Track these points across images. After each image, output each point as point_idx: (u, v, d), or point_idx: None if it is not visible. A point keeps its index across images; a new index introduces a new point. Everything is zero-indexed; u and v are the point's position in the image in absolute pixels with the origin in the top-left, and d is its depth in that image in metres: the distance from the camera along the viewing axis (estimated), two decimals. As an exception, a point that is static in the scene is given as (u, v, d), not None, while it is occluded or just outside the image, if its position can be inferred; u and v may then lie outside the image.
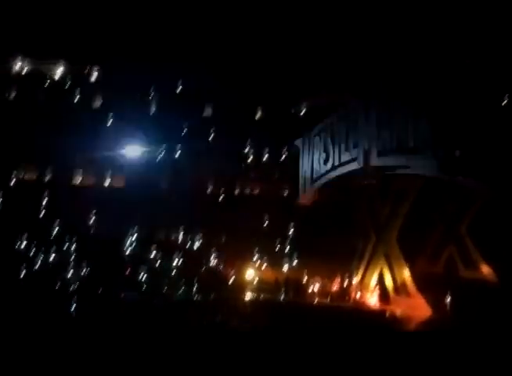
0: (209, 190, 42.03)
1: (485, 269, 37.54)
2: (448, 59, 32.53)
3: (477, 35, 32.77)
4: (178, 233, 41.14)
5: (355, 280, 38.79)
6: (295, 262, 40.46)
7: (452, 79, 32.03)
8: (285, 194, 41.85)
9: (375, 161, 35.13)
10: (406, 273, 37.11)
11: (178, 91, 40.60)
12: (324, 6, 36.46)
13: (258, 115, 41.50)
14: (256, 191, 42.67)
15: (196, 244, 41.22)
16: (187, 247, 41.05)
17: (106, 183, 41.33)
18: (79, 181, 41.28)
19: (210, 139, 41.26)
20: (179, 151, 41.02)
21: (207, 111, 41.45)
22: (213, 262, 40.48)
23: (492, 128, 30.87)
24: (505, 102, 30.90)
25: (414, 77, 33.16)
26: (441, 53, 32.90)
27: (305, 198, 39.71)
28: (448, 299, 35.43)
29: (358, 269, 38.87)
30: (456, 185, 36.70)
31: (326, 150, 37.91)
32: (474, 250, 38.00)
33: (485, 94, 31.01)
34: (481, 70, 31.41)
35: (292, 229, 41.10)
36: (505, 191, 33.66)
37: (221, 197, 41.82)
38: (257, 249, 40.41)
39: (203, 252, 40.71)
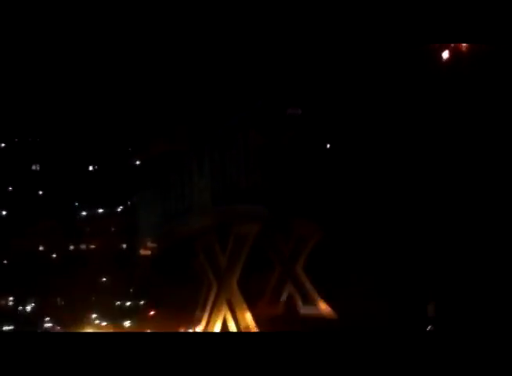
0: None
1: (322, 305, 39.38)
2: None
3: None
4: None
5: (199, 329, 38.96)
6: (138, 316, 39.93)
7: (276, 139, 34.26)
8: (124, 246, 41.28)
9: (210, 210, 36.30)
10: (249, 318, 37.79)
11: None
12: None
13: (92, 168, 40.81)
14: (94, 245, 41.70)
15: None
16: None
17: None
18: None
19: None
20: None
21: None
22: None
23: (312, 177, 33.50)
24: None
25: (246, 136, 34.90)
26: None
27: (145, 250, 39.56)
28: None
29: (201, 318, 39.06)
30: (290, 227, 38.99)
31: (162, 202, 38.23)
32: (311, 287, 39.64)
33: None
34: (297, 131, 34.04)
35: (132, 283, 40.56)
36: (333, 231, 36.34)
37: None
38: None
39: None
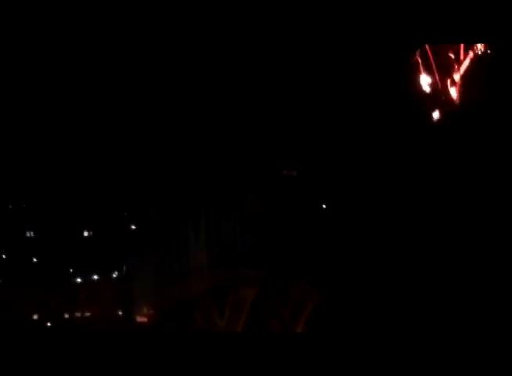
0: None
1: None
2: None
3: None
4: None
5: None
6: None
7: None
8: (119, 314, 40.60)
9: (207, 274, 35.95)
10: (249, 383, 36.98)
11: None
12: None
13: (86, 234, 40.51)
14: (89, 313, 41.03)
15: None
16: None
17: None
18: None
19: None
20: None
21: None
22: None
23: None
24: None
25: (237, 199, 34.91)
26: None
27: (142, 316, 38.95)
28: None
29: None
30: (288, 290, 38.51)
31: (158, 266, 37.87)
32: (312, 351, 38.88)
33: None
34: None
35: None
36: (330, 293, 36.05)
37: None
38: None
39: None
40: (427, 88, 34.57)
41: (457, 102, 34.48)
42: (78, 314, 40.31)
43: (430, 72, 34.32)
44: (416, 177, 35.00)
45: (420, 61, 34.13)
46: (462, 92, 34.40)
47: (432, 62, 34.15)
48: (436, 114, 34.27)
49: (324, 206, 36.52)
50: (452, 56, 34.44)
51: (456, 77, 34.32)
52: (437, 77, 34.31)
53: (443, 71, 34.39)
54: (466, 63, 34.81)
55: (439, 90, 34.06)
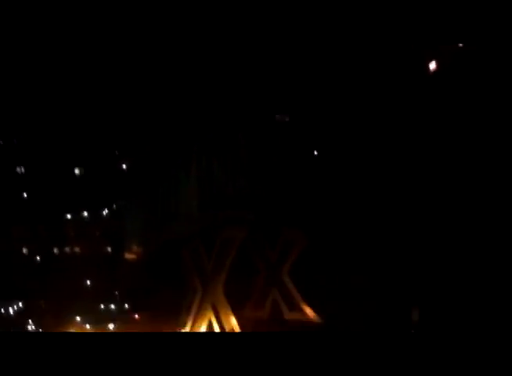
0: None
1: (308, 310, 39.47)
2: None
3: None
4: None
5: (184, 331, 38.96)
6: (123, 319, 39.83)
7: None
8: (109, 251, 41.11)
9: (196, 215, 36.62)
10: (234, 322, 37.83)
11: None
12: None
13: (77, 172, 40.59)
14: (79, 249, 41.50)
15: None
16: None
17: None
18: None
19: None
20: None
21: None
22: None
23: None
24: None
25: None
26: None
27: (130, 254, 39.48)
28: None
29: (186, 320, 39.05)
30: (276, 233, 39.10)
31: (148, 206, 38.13)
32: (296, 293, 39.71)
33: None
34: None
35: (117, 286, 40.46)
36: (318, 237, 36.59)
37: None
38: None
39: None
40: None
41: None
42: (67, 250, 40.80)
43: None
44: (408, 132, 35.23)
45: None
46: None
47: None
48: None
49: (315, 153, 36.71)
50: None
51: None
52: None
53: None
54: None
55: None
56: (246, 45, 34.93)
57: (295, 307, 39.80)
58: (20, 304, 39.86)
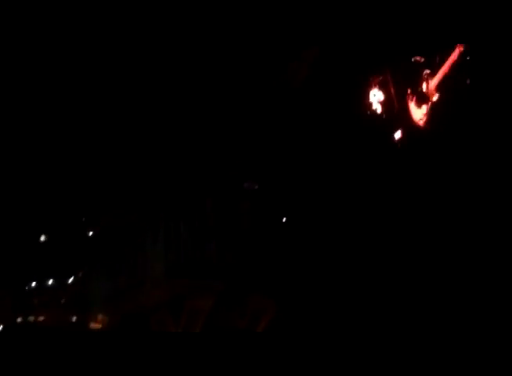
0: None
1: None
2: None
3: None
4: None
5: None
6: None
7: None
8: (73, 320, 40.02)
9: (163, 283, 35.57)
10: (201, 395, 36.66)
11: None
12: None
13: (43, 238, 39.90)
14: (43, 317, 40.33)
15: None
16: None
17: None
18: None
19: None
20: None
21: None
22: None
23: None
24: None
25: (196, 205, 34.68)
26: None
27: (95, 324, 38.42)
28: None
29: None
30: (245, 302, 38.38)
31: (114, 274, 37.42)
32: (266, 364, 38.73)
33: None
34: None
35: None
36: (290, 305, 35.96)
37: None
38: None
39: None
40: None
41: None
42: (32, 318, 39.69)
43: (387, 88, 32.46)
44: (381, 189, 34.98)
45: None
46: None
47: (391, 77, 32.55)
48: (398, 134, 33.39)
49: (284, 220, 36.48)
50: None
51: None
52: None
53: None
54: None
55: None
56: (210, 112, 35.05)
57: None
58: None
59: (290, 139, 35.07)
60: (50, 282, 39.96)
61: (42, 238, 39.49)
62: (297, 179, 35.27)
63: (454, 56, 28.63)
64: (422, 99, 29.34)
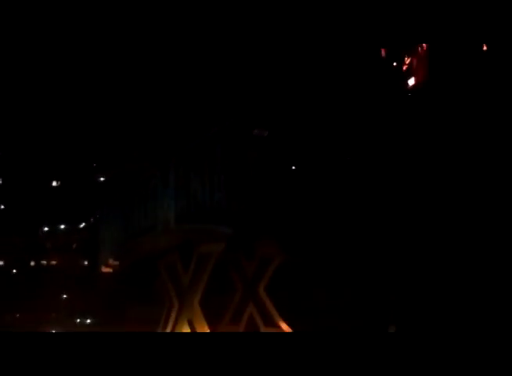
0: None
1: (283, 326, 39.37)
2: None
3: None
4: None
5: (160, 347, 38.65)
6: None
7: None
8: (85, 264, 40.98)
9: (173, 229, 36.31)
10: (210, 337, 37.64)
11: None
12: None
13: (55, 184, 40.52)
14: (55, 262, 41.27)
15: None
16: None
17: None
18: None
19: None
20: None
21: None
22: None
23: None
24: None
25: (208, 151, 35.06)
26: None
27: (106, 267, 39.24)
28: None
29: (162, 336, 38.83)
30: (253, 248, 39.06)
31: (125, 219, 38.01)
32: (272, 308, 39.62)
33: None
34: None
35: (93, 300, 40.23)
36: (295, 253, 36.66)
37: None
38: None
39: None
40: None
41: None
42: (44, 262, 40.64)
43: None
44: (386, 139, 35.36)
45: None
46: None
47: None
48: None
49: (293, 167, 36.82)
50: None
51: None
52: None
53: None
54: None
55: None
56: (225, 58, 35.12)
57: (271, 322, 39.64)
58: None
59: (301, 87, 35.26)
60: (62, 227, 40.74)
61: (54, 183, 40.09)
62: (306, 128, 35.52)
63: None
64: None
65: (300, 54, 34.96)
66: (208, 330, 37.87)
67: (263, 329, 39.92)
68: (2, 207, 40.46)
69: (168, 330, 38.73)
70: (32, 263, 40.69)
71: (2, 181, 40.27)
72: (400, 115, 35.01)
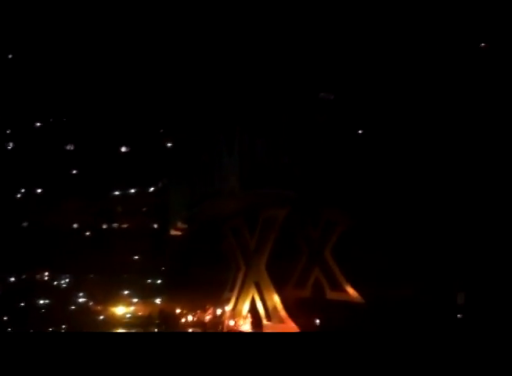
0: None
1: (350, 290, 39.55)
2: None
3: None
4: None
5: (228, 308, 39.50)
6: (168, 295, 40.56)
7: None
8: (155, 227, 41.84)
9: (238, 193, 36.83)
10: (276, 300, 38.14)
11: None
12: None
13: (124, 149, 41.34)
14: (126, 225, 42.31)
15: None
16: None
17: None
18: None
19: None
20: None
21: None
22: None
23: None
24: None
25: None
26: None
27: (175, 231, 40.11)
28: (317, 322, 37.38)
29: (230, 297, 39.59)
30: (319, 212, 39.18)
31: (192, 184, 38.66)
32: (339, 272, 39.78)
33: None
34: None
35: (162, 262, 41.18)
36: (360, 218, 36.62)
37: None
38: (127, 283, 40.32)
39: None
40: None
41: None
42: (115, 225, 41.70)
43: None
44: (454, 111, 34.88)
45: None
46: None
47: None
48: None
49: (360, 131, 36.52)
50: None
51: None
52: None
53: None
54: None
55: None
56: (287, 24, 34.95)
57: (337, 286, 39.91)
58: (70, 277, 41.08)
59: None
60: (132, 191, 41.64)
61: (123, 149, 40.91)
62: (374, 92, 35.08)
63: None
64: None
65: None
66: (275, 293, 38.46)
67: (329, 293, 40.26)
68: (74, 172, 41.69)
69: (235, 292, 39.56)
70: (104, 226, 41.82)
71: (75, 147, 41.42)
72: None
